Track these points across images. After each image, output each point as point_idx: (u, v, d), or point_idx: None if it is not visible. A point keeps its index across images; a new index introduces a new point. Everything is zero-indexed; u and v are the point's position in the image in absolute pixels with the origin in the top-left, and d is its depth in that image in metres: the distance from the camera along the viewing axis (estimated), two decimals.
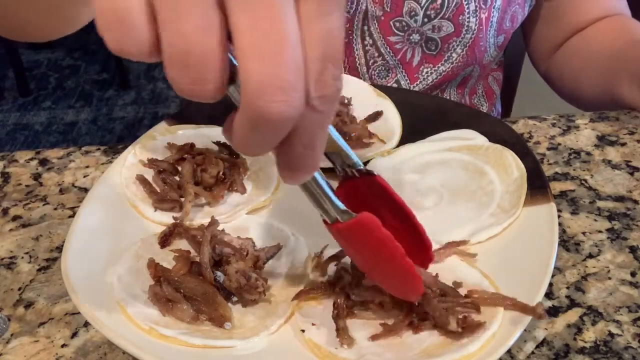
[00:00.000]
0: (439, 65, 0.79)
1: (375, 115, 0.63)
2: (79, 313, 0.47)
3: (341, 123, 0.61)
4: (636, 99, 0.70)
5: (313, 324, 0.42)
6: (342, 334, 0.41)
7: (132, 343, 0.39)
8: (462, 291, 0.43)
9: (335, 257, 0.46)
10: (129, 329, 0.41)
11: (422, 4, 0.74)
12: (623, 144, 0.64)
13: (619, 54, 0.75)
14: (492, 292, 0.42)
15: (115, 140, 2.44)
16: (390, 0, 0.75)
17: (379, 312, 0.43)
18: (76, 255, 0.45)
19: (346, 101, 0.63)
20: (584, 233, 0.53)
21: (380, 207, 0.40)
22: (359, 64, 0.79)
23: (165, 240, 0.49)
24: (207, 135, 0.58)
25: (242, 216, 0.52)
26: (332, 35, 0.28)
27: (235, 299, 0.45)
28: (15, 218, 0.58)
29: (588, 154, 0.63)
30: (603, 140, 0.64)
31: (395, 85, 0.79)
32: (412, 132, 0.61)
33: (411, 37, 0.77)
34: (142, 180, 0.54)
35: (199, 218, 0.52)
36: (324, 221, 0.38)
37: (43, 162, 0.65)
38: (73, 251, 0.46)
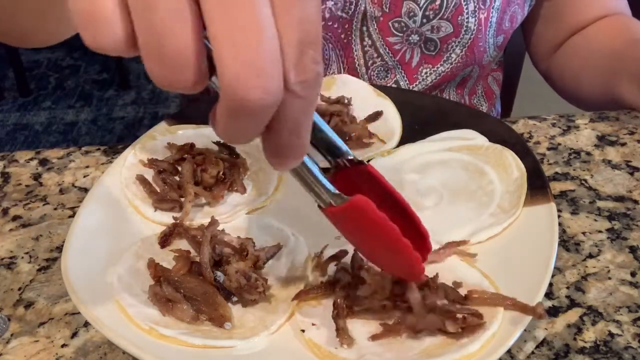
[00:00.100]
0: (438, 65, 0.79)
1: (375, 115, 0.63)
2: (79, 313, 0.47)
3: (341, 123, 0.61)
4: (636, 99, 0.70)
5: (313, 324, 0.42)
6: (342, 334, 0.41)
7: (132, 343, 0.39)
8: (462, 291, 0.43)
9: (335, 257, 0.46)
10: (129, 329, 0.41)
11: (421, 5, 0.74)
12: (623, 144, 0.64)
13: (619, 53, 0.75)
14: (492, 292, 0.42)
15: (115, 140, 2.44)
16: (389, 1, 0.75)
17: (379, 313, 0.43)
18: (76, 255, 0.45)
19: (346, 101, 0.63)
20: (584, 233, 0.53)
21: (374, 196, 0.41)
22: (358, 65, 0.79)
23: (165, 240, 0.49)
24: (207, 135, 0.58)
25: (242, 216, 0.52)
26: (309, 20, 0.28)
27: (235, 299, 0.45)
28: (15, 218, 0.58)
29: (588, 154, 0.63)
30: (603, 140, 0.64)
31: (394, 85, 0.79)
32: (412, 132, 0.61)
33: (410, 38, 0.77)
34: (142, 180, 0.54)
35: (199, 218, 0.52)
36: (319, 206, 0.38)
37: (43, 162, 0.65)
38: (73, 251, 0.46)
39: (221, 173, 0.54)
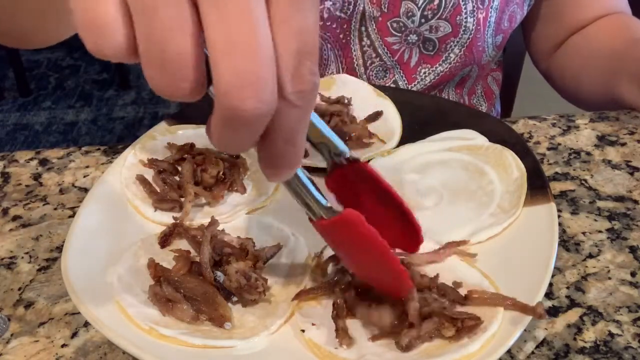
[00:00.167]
0: (437, 65, 0.79)
1: (375, 115, 0.63)
2: (79, 313, 0.47)
3: (341, 123, 0.61)
4: (636, 99, 0.70)
5: (313, 324, 0.42)
6: (342, 334, 0.41)
7: (132, 343, 0.39)
8: (462, 291, 0.43)
9: (335, 257, 0.46)
10: (129, 329, 0.41)
11: (419, 5, 0.74)
12: (623, 144, 0.64)
13: (619, 53, 0.75)
14: (492, 292, 0.42)
15: (115, 140, 2.44)
16: (388, 1, 0.74)
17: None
18: (76, 255, 0.45)
19: (346, 101, 0.63)
20: (584, 233, 0.53)
21: (369, 193, 0.41)
22: (356, 65, 0.79)
23: (165, 240, 0.49)
24: (207, 136, 0.58)
25: (242, 216, 0.52)
26: (307, 31, 0.28)
27: (235, 299, 0.45)
28: (15, 218, 0.58)
29: (588, 154, 0.63)
30: (603, 140, 0.64)
31: (393, 85, 0.79)
32: (412, 132, 0.61)
33: (409, 38, 0.77)
34: (142, 180, 0.54)
35: (199, 218, 0.52)
36: (309, 219, 0.38)
37: (43, 162, 0.65)
38: (73, 251, 0.46)
39: (221, 173, 0.54)
